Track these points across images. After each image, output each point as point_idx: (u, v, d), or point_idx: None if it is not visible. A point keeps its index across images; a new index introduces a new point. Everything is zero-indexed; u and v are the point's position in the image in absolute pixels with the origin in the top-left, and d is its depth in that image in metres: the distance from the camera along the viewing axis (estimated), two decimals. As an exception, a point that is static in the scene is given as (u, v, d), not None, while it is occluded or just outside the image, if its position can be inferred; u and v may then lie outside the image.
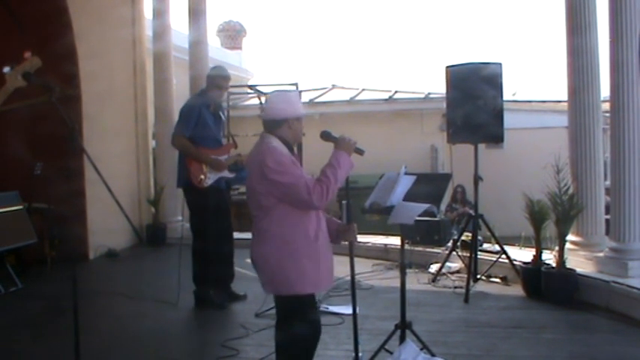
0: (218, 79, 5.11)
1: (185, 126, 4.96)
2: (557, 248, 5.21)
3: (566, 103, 5.75)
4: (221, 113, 5.20)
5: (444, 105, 6.33)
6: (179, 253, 5.15)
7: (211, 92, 5.11)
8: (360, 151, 2.99)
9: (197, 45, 8.47)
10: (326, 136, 3.01)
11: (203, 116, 4.97)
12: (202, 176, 4.93)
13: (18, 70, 2.94)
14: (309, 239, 2.86)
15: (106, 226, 7.24)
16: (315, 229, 2.89)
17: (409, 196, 3.57)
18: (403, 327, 3.64)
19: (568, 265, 5.21)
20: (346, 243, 3.20)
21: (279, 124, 2.90)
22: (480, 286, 5.69)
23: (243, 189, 7.22)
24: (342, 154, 2.88)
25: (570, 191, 5.25)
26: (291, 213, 2.82)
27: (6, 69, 2.93)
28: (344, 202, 3.18)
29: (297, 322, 2.86)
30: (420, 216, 3.50)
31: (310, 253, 2.86)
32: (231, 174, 5.12)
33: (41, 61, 2.95)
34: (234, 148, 5.22)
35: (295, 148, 3.13)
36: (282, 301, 2.94)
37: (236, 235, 5.48)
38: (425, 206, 3.48)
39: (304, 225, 2.86)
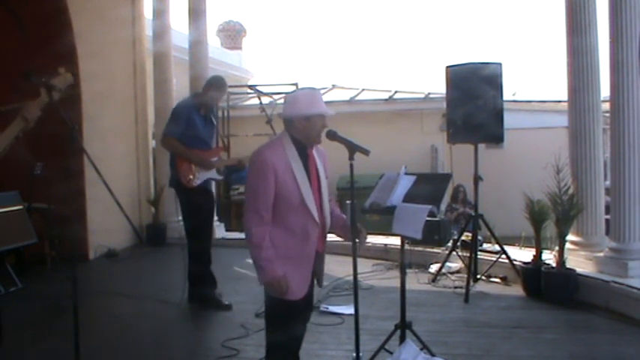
0: (214, 85, 5.11)
1: (174, 127, 5.01)
2: (557, 248, 5.21)
3: (566, 103, 5.75)
4: (212, 117, 5.23)
5: (444, 105, 6.32)
6: (183, 252, 5.15)
7: (205, 96, 5.12)
8: (365, 152, 2.97)
9: (197, 45, 8.47)
10: (332, 135, 2.99)
11: (192, 118, 5.02)
12: (191, 176, 5.00)
13: (53, 82, 2.99)
14: (291, 242, 2.73)
15: (106, 226, 7.25)
16: (301, 236, 2.75)
17: (409, 196, 3.57)
18: (403, 327, 3.64)
19: (568, 265, 5.22)
20: (349, 243, 3.17)
21: (286, 123, 2.83)
22: (480, 286, 5.69)
23: (243, 189, 7.24)
24: (264, 272, 2.71)
25: (570, 191, 5.25)
26: (279, 212, 2.71)
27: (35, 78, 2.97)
28: (348, 202, 3.17)
29: (274, 320, 2.85)
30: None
31: (287, 257, 2.72)
32: (220, 176, 5.22)
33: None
34: (223, 151, 5.34)
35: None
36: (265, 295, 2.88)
37: (237, 235, 5.49)
38: (426, 210, 3.47)
39: (289, 227, 2.73)
